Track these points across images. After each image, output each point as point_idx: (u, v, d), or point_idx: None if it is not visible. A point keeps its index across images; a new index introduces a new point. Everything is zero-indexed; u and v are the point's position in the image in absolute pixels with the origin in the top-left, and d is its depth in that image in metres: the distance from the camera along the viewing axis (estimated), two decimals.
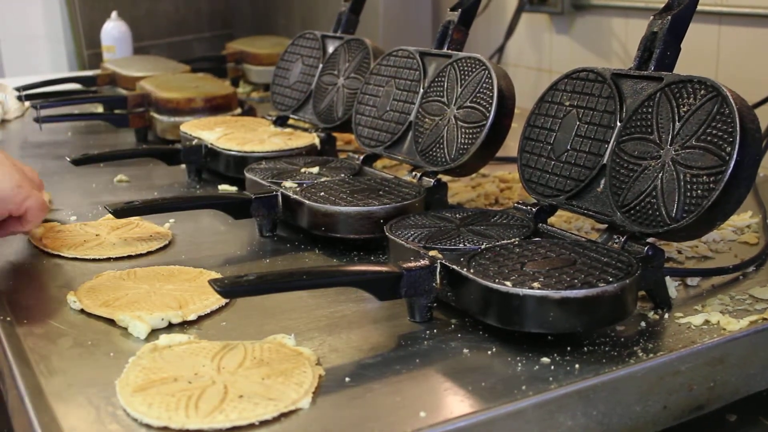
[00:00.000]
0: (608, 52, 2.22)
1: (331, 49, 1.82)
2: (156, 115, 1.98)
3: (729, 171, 0.95)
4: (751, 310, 1.04)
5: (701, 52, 1.90)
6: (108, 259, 1.25)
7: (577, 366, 0.90)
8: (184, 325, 1.02)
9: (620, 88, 1.14)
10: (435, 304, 1.03)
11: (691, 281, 1.13)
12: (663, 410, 0.93)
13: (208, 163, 1.67)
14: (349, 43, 1.77)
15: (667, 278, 1.07)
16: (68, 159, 1.57)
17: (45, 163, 1.82)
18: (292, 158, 1.57)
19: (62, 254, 1.26)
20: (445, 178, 1.37)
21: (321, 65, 1.82)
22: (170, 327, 1.01)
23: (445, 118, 1.37)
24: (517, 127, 1.28)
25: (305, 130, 1.78)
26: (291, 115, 1.85)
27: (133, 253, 1.26)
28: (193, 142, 1.68)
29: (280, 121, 1.85)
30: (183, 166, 1.71)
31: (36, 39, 3.28)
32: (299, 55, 1.90)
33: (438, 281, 1.01)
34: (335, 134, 1.74)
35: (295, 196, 1.30)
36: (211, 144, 1.65)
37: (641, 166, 1.06)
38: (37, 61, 3.30)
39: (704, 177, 0.98)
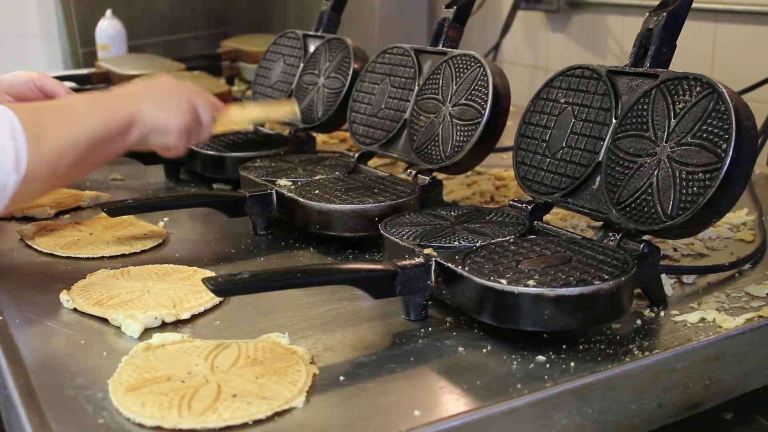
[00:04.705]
0: (604, 50, 2.22)
1: (312, 49, 1.81)
2: None
3: (725, 168, 0.95)
4: (747, 307, 1.04)
5: (697, 50, 1.90)
6: (102, 258, 1.24)
7: (572, 364, 0.90)
8: (177, 324, 1.02)
9: (616, 85, 1.13)
10: (430, 302, 1.02)
11: (687, 279, 1.13)
12: (659, 408, 0.92)
13: (185, 163, 1.66)
14: (330, 42, 1.76)
15: (663, 276, 1.07)
16: None
17: None
18: (287, 156, 1.57)
19: (56, 253, 1.25)
20: (440, 175, 1.37)
21: (302, 65, 1.81)
22: (164, 326, 1.01)
23: (440, 116, 1.37)
24: (512, 125, 1.28)
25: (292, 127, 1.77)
26: None
27: (126, 252, 1.26)
28: None
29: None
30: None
31: (31, 37, 3.27)
32: (281, 55, 1.89)
33: (433, 279, 1.00)
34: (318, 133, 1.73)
35: (289, 194, 1.29)
36: None
37: (637, 163, 1.06)
38: (32, 60, 3.29)
39: (700, 174, 0.97)
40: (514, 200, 1.22)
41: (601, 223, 1.10)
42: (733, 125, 0.96)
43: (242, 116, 1.53)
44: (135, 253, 1.26)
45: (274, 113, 1.61)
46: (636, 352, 0.92)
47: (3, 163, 0.99)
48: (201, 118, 1.28)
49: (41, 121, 1.03)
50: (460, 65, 1.38)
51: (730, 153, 0.95)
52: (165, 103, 1.21)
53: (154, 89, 1.23)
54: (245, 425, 0.79)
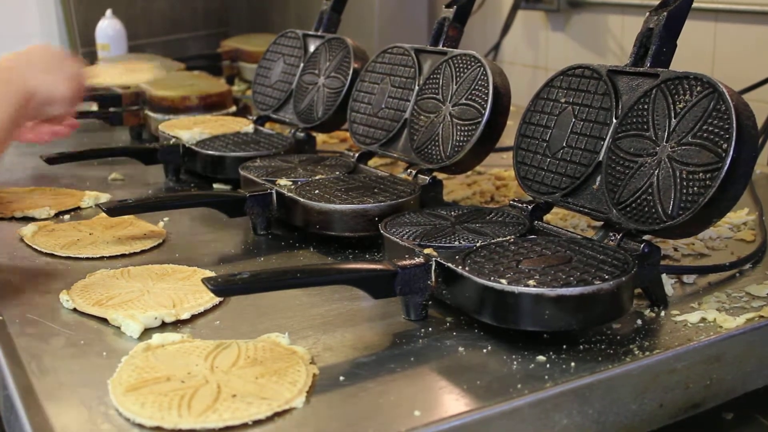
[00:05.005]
0: (604, 49, 2.22)
1: (312, 48, 1.81)
2: (151, 113, 1.97)
3: (725, 168, 0.94)
4: (748, 307, 1.04)
5: (697, 49, 1.90)
6: (101, 258, 1.24)
7: (572, 364, 0.89)
8: (177, 324, 1.01)
9: (616, 85, 1.13)
10: (430, 302, 1.02)
11: (688, 279, 1.13)
12: (659, 408, 0.92)
13: (185, 162, 1.66)
14: (330, 42, 1.76)
15: (664, 276, 1.07)
16: (42, 158, 1.57)
17: (38, 162, 1.81)
18: (287, 156, 1.56)
19: (55, 253, 1.25)
20: (440, 175, 1.37)
21: (302, 64, 1.81)
22: (163, 326, 1.01)
23: (441, 116, 1.37)
24: (512, 125, 1.28)
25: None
26: (271, 115, 1.83)
27: (126, 252, 1.25)
28: (171, 142, 1.68)
29: (261, 121, 1.83)
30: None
31: (31, 37, 3.27)
32: (281, 54, 1.89)
33: (433, 279, 1.00)
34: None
35: (289, 194, 1.29)
36: (189, 144, 1.65)
37: (637, 163, 1.05)
38: None
39: (700, 174, 0.97)
40: (514, 200, 1.22)
41: (602, 223, 1.10)
42: (734, 125, 0.95)
43: (106, 79, 1.72)
44: (135, 253, 1.26)
45: (135, 77, 1.65)
46: (636, 352, 0.92)
47: None
48: (79, 82, 1.29)
49: None
50: (460, 65, 1.38)
51: (731, 153, 0.95)
52: (51, 74, 1.22)
53: (37, 61, 1.23)
54: (245, 425, 0.79)
